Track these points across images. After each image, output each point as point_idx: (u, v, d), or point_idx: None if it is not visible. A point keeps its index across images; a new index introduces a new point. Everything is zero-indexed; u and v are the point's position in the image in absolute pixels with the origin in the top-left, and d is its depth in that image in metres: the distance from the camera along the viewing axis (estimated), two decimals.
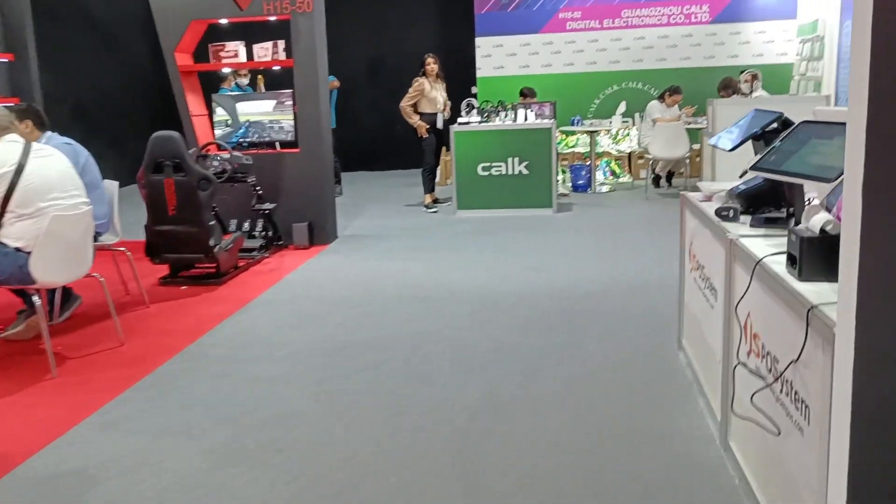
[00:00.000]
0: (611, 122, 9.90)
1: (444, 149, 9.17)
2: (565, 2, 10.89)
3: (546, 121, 8.36)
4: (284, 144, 7.20)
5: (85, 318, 5.03)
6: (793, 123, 3.29)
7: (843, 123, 1.61)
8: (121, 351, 4.43)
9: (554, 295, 5.20)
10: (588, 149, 10.69)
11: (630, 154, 10.78)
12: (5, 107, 4.86)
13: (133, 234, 6.26)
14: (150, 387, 3.90)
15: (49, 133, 4.99)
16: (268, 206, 6.81)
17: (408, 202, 9.51)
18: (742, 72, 9.23)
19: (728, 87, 8.76)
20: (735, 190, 3.46)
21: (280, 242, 7.01)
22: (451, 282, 5.66)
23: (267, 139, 7.16)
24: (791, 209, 3.07)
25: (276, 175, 7.09)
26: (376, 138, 12.55)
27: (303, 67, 6.98)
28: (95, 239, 4.69)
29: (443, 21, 12.20)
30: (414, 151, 9.32)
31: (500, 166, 8.33)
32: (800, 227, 2.30)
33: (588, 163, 10.08)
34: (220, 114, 7.25)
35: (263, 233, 6.83)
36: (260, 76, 10.02)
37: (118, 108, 11.58)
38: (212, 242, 5.71)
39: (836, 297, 1.64)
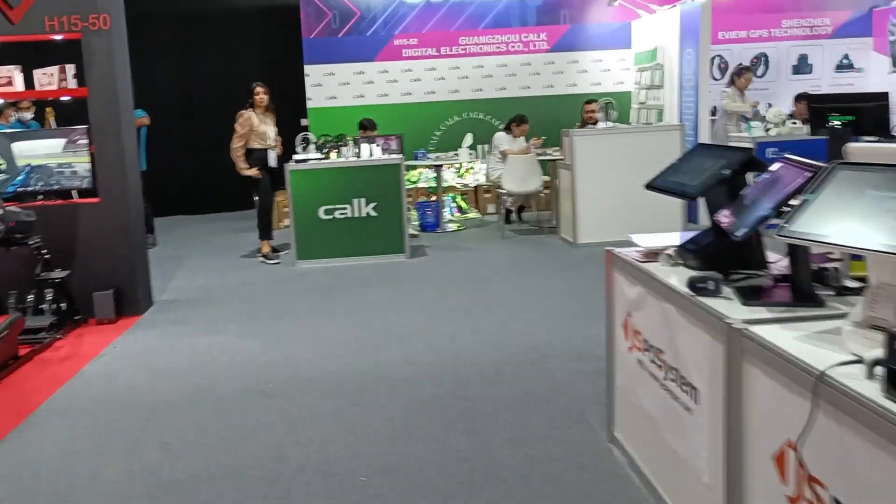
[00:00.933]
0: (458, 155, 9.21)
1: (276, 189, 8.02)
2: (400, 28, 10.14)
3: (393, 156, 7.49)
4: (81, 193, 5.81)
5: None
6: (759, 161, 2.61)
7: None
8: None
9: (437, 376, 4.26)
10: (432, 184, 9.95)
11: (476, 188, 10.17)
12: None
13: None
14: None
15: None
16: (58, 273, 5.37)
17: (238, 251, 8.25)
18: (588, 101, 8.87)
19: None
20: (688, 245, 2.71)
21: (77, 317, 5.57)
22: (301, 364, 4.57)
23: (56, 187, 5.72)
24: (770, 270, 2.36)
25: (69, 232, 5.66)
26: (196, 177, 11.10)
27: (99, 97, 5.65)
28: None
29: (268, 47, 11.03)
30: (240, 190, 8.12)
31: (345, 209, 7.33)
32: None
33: (435, 199, 9.32)
34: None
35: (54, 307, 5.37)
36: (49, 109, 8.38)
37: None
38: None
39: None
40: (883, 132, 4.26)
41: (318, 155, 7.36)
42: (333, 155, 7.50)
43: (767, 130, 7.79)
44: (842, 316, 1.95)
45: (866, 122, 4.15)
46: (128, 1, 5.93)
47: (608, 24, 10.39)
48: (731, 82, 8.99)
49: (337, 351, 4.75)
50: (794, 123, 7.83)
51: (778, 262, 2.64)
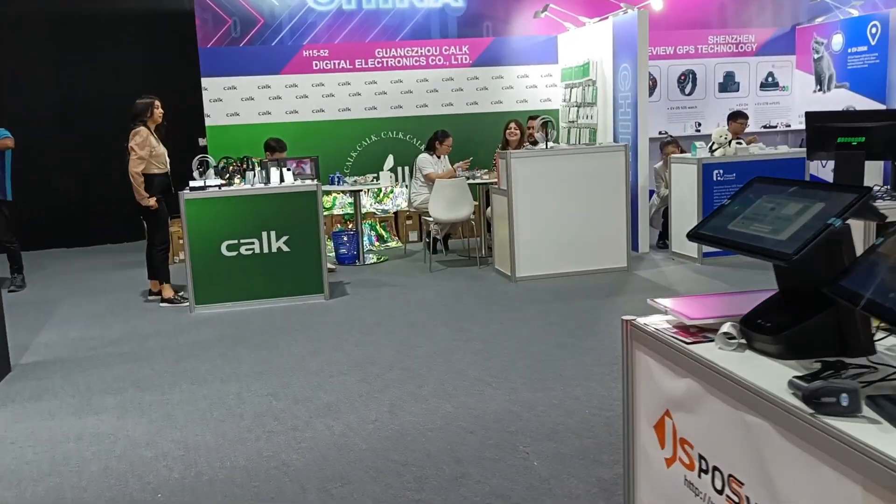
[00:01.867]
0: (378, 179, 8.31)
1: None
2: (309, 37, 9.18)
3: (308, 182, 6.52)
4: None
5: None
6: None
7: None
8: None
9: (379, 470, 3.32)
10: (349, 210, 9.00)
11: (396, 214, 9.28)
12: None
13: None
14: None
15: None
16: None
17: (124, 292, 7.06)
18: (531, 117, 8.19)
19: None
20: (760, 320, 1.94)
21: None
22: (201, 456, 3.54)
23: None
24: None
25: None
26: (73, 205, 9.76)
27: None
28: None
29: (158, 56, 9.84)
30: (127, 218, 6.97)
31: (252, 243, 6.30)
32: None
33: (353, 229, 8.38)
34: None
35: None
36: None
37: None
38: None
39: None
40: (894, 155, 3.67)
41: (219, 181, 6.30)
42: (237, 181, 6.47)
43: (713, 151, 7.26)
44: None
45: (876, 143, 3.53)
46: None
47: (533, 37, 9.76)
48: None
49: (248, 433, 3.75)
50: (740, 143, 7.34)
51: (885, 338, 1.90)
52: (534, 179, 6.78)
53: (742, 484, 1.80)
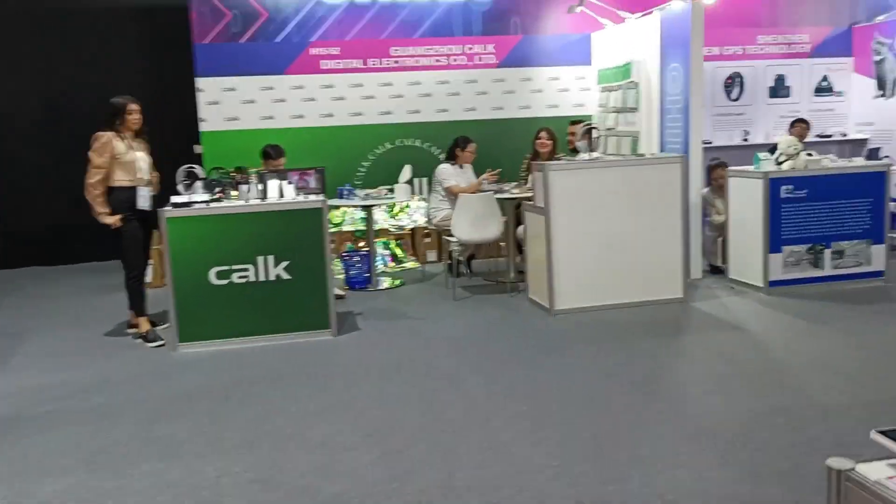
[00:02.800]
0: (393, 193, 7.36)
1: (153, 235, 5.98)
2: (317, 34, 8.25)
3: (313, 197, 5.57)
4: None
5: None
6: None
7: None
8: None
9: None
10: (360, 227, 8.06)
11: (413, 231, 8.33)
12: None
13: None
14: None
15: None
16: None
17: (103, 322, 6.14)
18: (573, 122, 7.23)
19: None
20: None
21: None
22: None
23: None
24: None
25: None
26: (57, 217, 8.83)
27: None
28: None
29: (149, 52, 8.92)
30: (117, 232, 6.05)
31: (246, 270, 5.36)
32: None
33: (365, 248, 7.43)
34: None
35: None
36: None
37: None
38: None
39: None
40: None
41: (207, 196, 5.36)
42: (234, 195, 5.52)
43: (780, 164, 6.28)
44: None
45: None
46: None
47: (566, 35, 8.80)
48: None
49: None
50: (810, 155, 6.35)
51: None
52: (575, 195, 5.81)
53: None
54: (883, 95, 9.10)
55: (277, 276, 5.39)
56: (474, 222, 6.55)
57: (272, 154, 6.73)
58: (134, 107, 5.59)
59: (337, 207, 7.87)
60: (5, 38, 8.65)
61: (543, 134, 7.35)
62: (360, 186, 8.00)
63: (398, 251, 8.15)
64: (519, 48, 8.72)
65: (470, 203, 6.57)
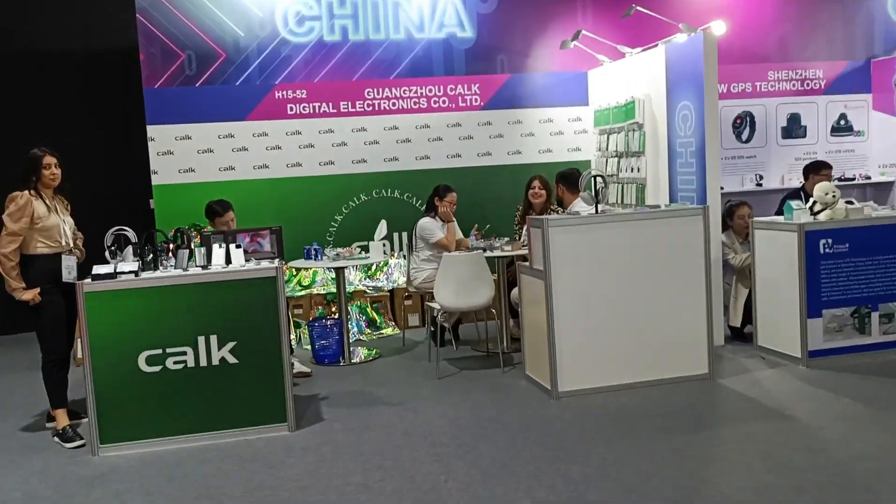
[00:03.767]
0: (367, 252, 6.44)
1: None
2: (283, 75, 7.41)
3: (266, 263, 4.62)
4: None
5: None
6: None
7: None
8: None
9: None
10: (332, 289, 7.12)
11: (392, 292, 7.39)
12: None
13: None
14: None
15: None
16: None
17: (20, 410, 5.14)
18: (562, 175, 6.36)
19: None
20: None
21: None
22: None
23: None
24: None
25: None
26: None
27: None
28: None
29: (91, 97, 8.01)
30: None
31: (184, 354, 4.39)
32: None
33: (336, 315, 6.48)
34: None
35: None
36: None
37: None
38: None
39: None
40: None
41: (135, 265, 4.41)
42: (169, 264, 4.57)
43: (815, 214, 5.41)
44: None
45: None
46: None
47: (558, 73, 8.01)
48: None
49: None
50: (851, 204, 5.49)
51: None
52: (580, 255, 4.90)
53: None
54: None
55: (222, 360, 4.41)
56: (461, 287, 5.61)
57: (219, 210, 5.82)
58: (50, 160, 4.68)
59: (299, 270, 6.93)
60: None
61: (536, 183, 6.49)
62: (332, 244, 7.08)
63: (375, 315, 7.20)
64: (507, 88, 7.91)
65: (456, 264, 5.65)
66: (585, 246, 4.91)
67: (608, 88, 7.56)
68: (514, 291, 5.96)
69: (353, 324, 6.96)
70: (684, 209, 5.13)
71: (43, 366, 4.73)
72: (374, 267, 7.46)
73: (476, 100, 7.87)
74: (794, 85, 8.51)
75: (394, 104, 7.68)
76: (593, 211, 5.04)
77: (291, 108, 7.46)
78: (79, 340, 5.45)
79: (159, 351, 4.35)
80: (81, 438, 4.53)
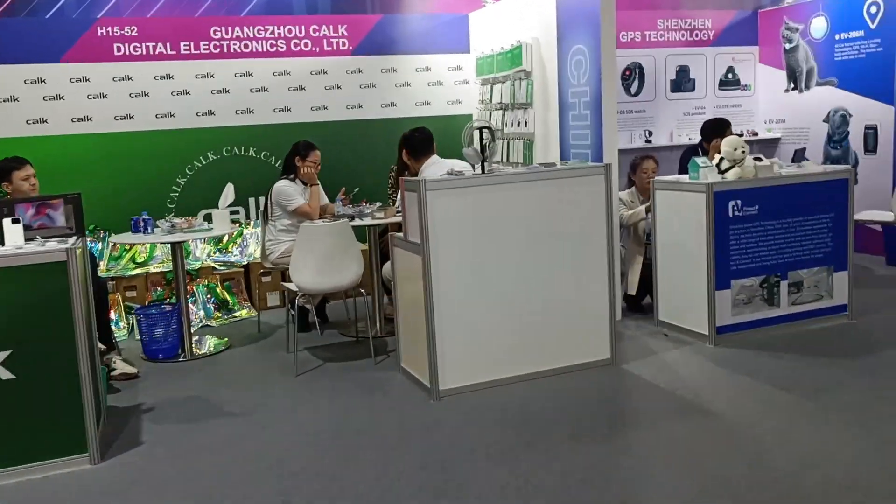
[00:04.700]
0: (210, 224, 5.37)
1: None
2: (107, 7, 6.12)
3: (55, 244, 3.50)
4: None
5: None
6: None
7: None
8: None
9: None
10: (170, 265, 5.99)
11: (247, 267, 6.34)
12: None
13: None
14: None
15: None
16: None
17: None
18: (406, 139, 5.40)
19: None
20: None
21: None
22: None
23: None
24: None
25: None
26: None
27: None
28: None
29: None
30: None
31: None
32: None
33: (172, 301, 5.38)
34: None
35: None
36: None
37: None
38: None
39: None
40: None
41: None
42: None
43: (722, 172, 4.80)
44: None
45: None
46: None
47: (436, 15, 7.10)
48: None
49: None
50: (760, 161, 4.91)
51: None
52: (464, 223, 4.06)
53: None
54: (795, 89, 7.98)
55: None
56: (323, 263, 4.67)
57: (16, 166, 4.60)
58: None
59: (132, 246, 5.76)
60: None
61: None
62: (175, 213, 5.95)
63: (227, 296, 6.14)
64: (378, 30, 6.93)
65: (317, 236, 4.69)
66: (471, 212, 4.07)
67: (492, 33, 6.71)
68: (387, 266, 5.07)
69: (200, 307, 5.90)
70: (585, 167, 4.37)
71: None
72: (225, 238, 6.38)
73: (344, 43, 6.85)
74: (683, 35, 7.98)
75: (246, 46, 6.54)
76: (479, 171, 4.20)
77: (119, 49, 6.19)
78: None
79: None
80: None
